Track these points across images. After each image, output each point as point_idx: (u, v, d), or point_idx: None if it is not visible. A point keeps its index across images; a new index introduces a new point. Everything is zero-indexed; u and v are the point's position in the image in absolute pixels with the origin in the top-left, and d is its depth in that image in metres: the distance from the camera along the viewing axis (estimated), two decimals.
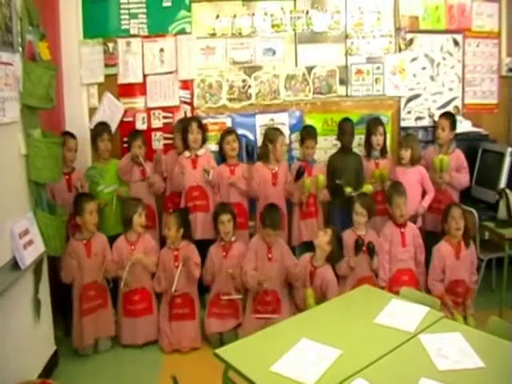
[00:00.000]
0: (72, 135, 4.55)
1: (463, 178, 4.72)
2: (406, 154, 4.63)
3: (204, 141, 4.75)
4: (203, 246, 4.35)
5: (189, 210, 4.53)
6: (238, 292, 4.27)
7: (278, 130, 4.83)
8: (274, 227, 4.17)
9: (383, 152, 4.91)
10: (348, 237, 4.28)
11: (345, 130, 4.93)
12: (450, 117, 4.81)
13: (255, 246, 4.28)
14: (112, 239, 4.30)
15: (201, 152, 4.70)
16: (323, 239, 4.04)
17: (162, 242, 4.49)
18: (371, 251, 4.16)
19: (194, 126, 4.65)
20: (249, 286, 4.17)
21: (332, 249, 4.05)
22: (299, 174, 4.63)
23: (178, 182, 4.64)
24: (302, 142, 4.89)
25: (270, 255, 4.23)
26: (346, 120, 5.00)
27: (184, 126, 4.74)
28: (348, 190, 4.57)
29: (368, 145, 4.92)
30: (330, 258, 4.10)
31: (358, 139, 5.08)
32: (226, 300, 4.20)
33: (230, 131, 4.83)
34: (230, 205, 4.49)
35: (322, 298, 3.95)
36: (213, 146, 4.96)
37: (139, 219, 4.23)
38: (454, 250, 4.13)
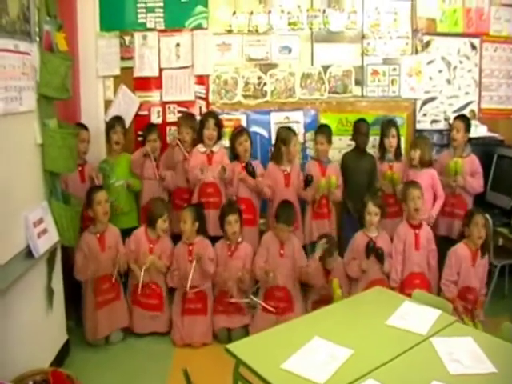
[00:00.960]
0: (84, 126, 4.55)
1: (477, 183, 4.67)
2: (416, 154, 4.60)
3: (219, 138, 4.73)
4: (216, 243, 4.34)
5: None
6: (244, 294, 4.25)
7: (290, 129, 4.80)
8: (287, 223, 4.17)
9: (397, 155, 4.88)
10: (359, 239, 4.27)
11: (360, 130, 4.91)
12: (464, 119, 4.78)
13: (267, 242, 4.30)
14: (122, 232, 4.32)
15: (216, 148, 4.67)
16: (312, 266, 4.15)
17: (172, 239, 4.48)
18: (380, 257, 4.15)
19: (211, 122, 4.63)
20: (258, 278, 4.20)
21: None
22: (307, 183, 4.61)
23: (194, 177, 4.56)
24: (316, 139, 4.86)
25: (282, 251, 4.24)
26: (362, 121, 4.97)
27: (200, 120, 4.76)
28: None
29: (382, 147, 4.90)
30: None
31: (373, 140, 5.07)
32: (234, 302, 4.20)
33: (241, 131, 4.77)
34: (237, 204, 4.49)
35: None
36: (227, 143, 4.92)
37: (163, 224, 4.25)
38: (471, 254, 4.08)
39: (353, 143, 5.02)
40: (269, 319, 4.03)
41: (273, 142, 5.00)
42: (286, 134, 4.71)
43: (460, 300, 4.05)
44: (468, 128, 4.73)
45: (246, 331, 4.15)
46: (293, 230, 4.33)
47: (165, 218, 4.24)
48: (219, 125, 4.71)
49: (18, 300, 3.04)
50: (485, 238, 4.04)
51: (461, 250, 4.11)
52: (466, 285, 4.08)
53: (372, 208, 4.21)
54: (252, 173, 4.54)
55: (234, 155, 4.75)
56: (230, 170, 4.60)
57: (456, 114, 5.07)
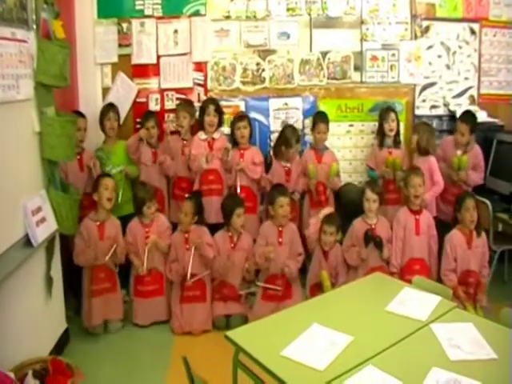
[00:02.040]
0: (81, 114, 4.53)
1: (478, 177, 4.69)
2: (414, 139, 4.64)
3: (220, 124, 4.74)
4: (217, 230, 4.35)
5: (203, 194, 4.51)
6: (247, 284, 4.30)
7: (296, 132, 4.77)
8: (284, 194, 4.21)
9: (396, 142, 4.87)
10: (358, 226, 4.27)
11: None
12: (469, 121, 4.70)
13: (265, 232, 4.30)
14: (123, 219, 4.31)
15: (216, 135, 4.69)
16: (312, 230, 4.21)
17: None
18: (379, 245, 4.15)
19: (212, 108, 4.64)
20: (259, 267, 4.22)
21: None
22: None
23: (198, 165, 4.55)
24: (314, 126, 4.84)
25: (280, 239, 4.24)
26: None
27: (201, 107, 4.76)
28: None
29: (381, 133, 4.87)
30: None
31: (372, 126, 5.08)
32: (243, 294, 4.25)
33: (241, 117, 4.79)
34: (239, 195, 4.49)
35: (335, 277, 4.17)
36: (226, 129, 4.93)
37: (149, 210, 4.23)
38: (465, 238, 4.10)
39: (350, 129, 5.07)
40: (268, 306, 4.05)
41: (271, 128, 5.06)
42: (289, 137, 4.66)
43: (461, 285, 4.07)
44: (473, 128, 4.68)
45: (243, 318, 4.16)
46: (292, 216, 4.38)
47: (149, 205, 4.22)
48: (219, 111, 4.72)
49: (17, 289, 3.04)
50: (477, 218, 4.06)
51: (455, 236, 4.13)
52: (466, 268, 4.10)
53: (370, 195, 4.21)
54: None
55: (233, 140, 4.74)
56: (231, 155, 4.62)
57: (456, 100, 5.06)
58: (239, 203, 4.26)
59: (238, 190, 4.59)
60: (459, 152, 4.63)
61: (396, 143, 4.85)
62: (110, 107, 4.71)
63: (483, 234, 4.17)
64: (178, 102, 5.02)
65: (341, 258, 4.24)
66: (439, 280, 4.06)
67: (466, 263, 4.09)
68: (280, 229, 4.25)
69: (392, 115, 4.80)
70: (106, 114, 4.65)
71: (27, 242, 3.07)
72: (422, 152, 4.61)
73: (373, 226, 4.22)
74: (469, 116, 4.79)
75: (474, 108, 5.13)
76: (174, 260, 4.21)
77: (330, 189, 4.78)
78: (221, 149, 4.59)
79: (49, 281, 3.52)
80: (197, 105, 4.91)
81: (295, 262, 4.21)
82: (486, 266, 4.19)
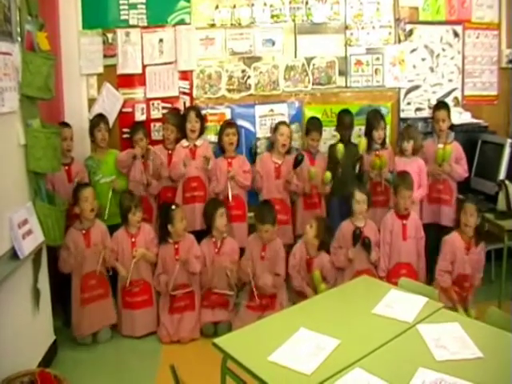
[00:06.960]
0: (67, 124, 4.52)
1: (462, 169, 4.74)
2: (409, 145, 4.64)
3: (202, 131, 4.76)
4: (202, 237, 4.35)
5: (186, 201, 4.56)
6: (231, 288, 4.29)
7: (281, 121, 4.89)
8: (262, 222, 4.17)
9: (382, 144, 4.88)
10: (346, 228, 4.27)
11: (344, 122, 4.89)
12: (446, 107, 4.84)
13: (251, 244, 4.31)
14: (110, 229, 4.30)
15: (199, 142, 4.70)
16: (310, 234, 4.13)
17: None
18: (367, 246, 4.15)
19: (193, 114, 4.66)
20: (243, 280, 4.25)
21: (322, 239, 4.14)
22: (297, 162, 4.61)
23: (177, 172, 4.57)
24: (307, 133, 4.86)
25: (263, 253, 4.24)
26: (345, 112, 4.96)
27: (183, 115, 4.78)
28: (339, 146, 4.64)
29: (369, 138, 4.88)
30: (323, 247, 4.21)
31: (358, 130, 5.08)
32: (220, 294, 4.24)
33: (230, 123, 4.81)
34: (220, 199, 4.51)
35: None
36: (212, 137, 4.96)
37: (134, 217, 4.22)
38: (465, 244, 4.10)
39: (337, 134, 5.03)
40: (252, 315, 4.03)
41: (258, 135, 5.11)
42: (276, 124, 4.83)
43: (457, 287, 4.10)
44: (450, 114, 4.80)
45: (231, 325, 4.16)
46: (277, 229, 4.32)
47: (134, 211, 4.21)
48: (201, 117, 4.74)
49: (4, 301, 3.03)
50: (475, 227, 4.07)
51: (454, 239, 4.14)
52: (462, 273, 4.11)
53: (359, 196, 4.21)
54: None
55: (220, 147, 4.76)
56: (213, 163, 4.63)
57: (435, 103, 5.10)
58: (218, 204, 4.28)
59: (230, 199, 4.59)
60: (441, 145, 4.67)
61: (382, 145, 4.87)
62: (100, 118, 4.70)
63: (482, 245, 4.17)
64: (166, 111, 4.99)
65: (328, 265, 4.22)
66: (427, 283, 4.08)
67: (462, 267, 4.10)
68: (264, 242, 4.24)
69: (382, 124, 4.83)
70: (97, 126, 4.64)
71: (14, 254, 3.06)
72: (415, 153, 4.66)
73: (361, 229, 4.21)
74: (443, 104, 4.91)
75: (458, 109, 5.18)
76: (162, 272, 4.21)
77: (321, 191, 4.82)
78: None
79: (36, 293, 3.51)
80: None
81: (271, 278, 4.16)
82: (481, 271, 4.21)
